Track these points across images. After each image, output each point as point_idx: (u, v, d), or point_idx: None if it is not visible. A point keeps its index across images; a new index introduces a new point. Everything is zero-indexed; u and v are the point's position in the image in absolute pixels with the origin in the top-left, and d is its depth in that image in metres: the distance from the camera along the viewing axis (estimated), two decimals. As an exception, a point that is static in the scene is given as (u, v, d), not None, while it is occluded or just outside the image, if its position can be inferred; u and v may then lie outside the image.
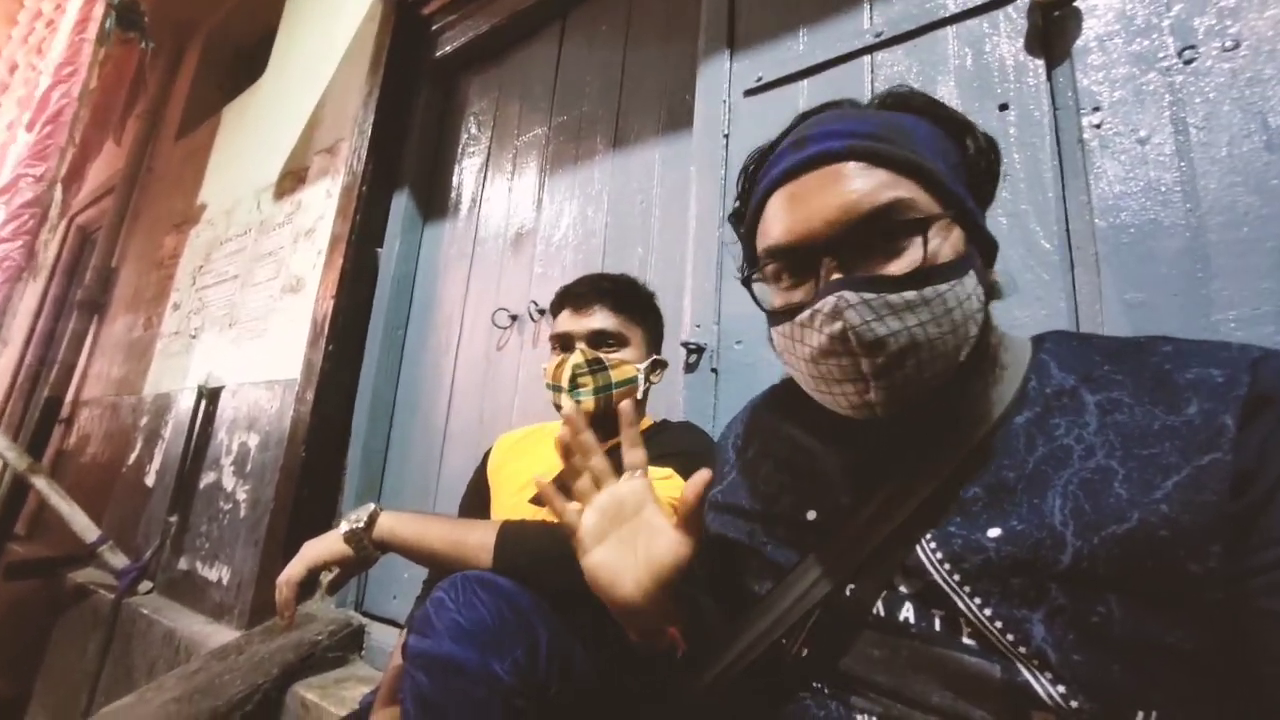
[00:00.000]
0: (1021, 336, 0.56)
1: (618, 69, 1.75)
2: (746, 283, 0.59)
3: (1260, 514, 0.38)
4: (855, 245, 0.48)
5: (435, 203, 2.15)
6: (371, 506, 0.84)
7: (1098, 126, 0.97)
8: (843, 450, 0.56)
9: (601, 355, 1.00)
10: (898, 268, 0.47)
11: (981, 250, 0.52)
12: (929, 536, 0.47)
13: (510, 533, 0.79)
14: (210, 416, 2.38)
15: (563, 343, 1.03)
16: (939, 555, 0.46)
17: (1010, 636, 0.42)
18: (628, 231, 1.59)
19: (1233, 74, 0.90)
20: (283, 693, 1.46)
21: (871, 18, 1.22)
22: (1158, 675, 0.39)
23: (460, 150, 2.15)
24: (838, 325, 0.47)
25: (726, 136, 1.37)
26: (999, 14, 1.08)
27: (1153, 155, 0.93)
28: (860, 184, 0.48)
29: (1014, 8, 1.07)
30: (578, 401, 0.98)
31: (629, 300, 1.06)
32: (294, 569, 0.80)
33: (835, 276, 0.48)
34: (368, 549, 0.82)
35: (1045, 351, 0.52)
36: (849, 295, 0.46)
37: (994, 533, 0.44)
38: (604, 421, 1.01)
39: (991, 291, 0.52)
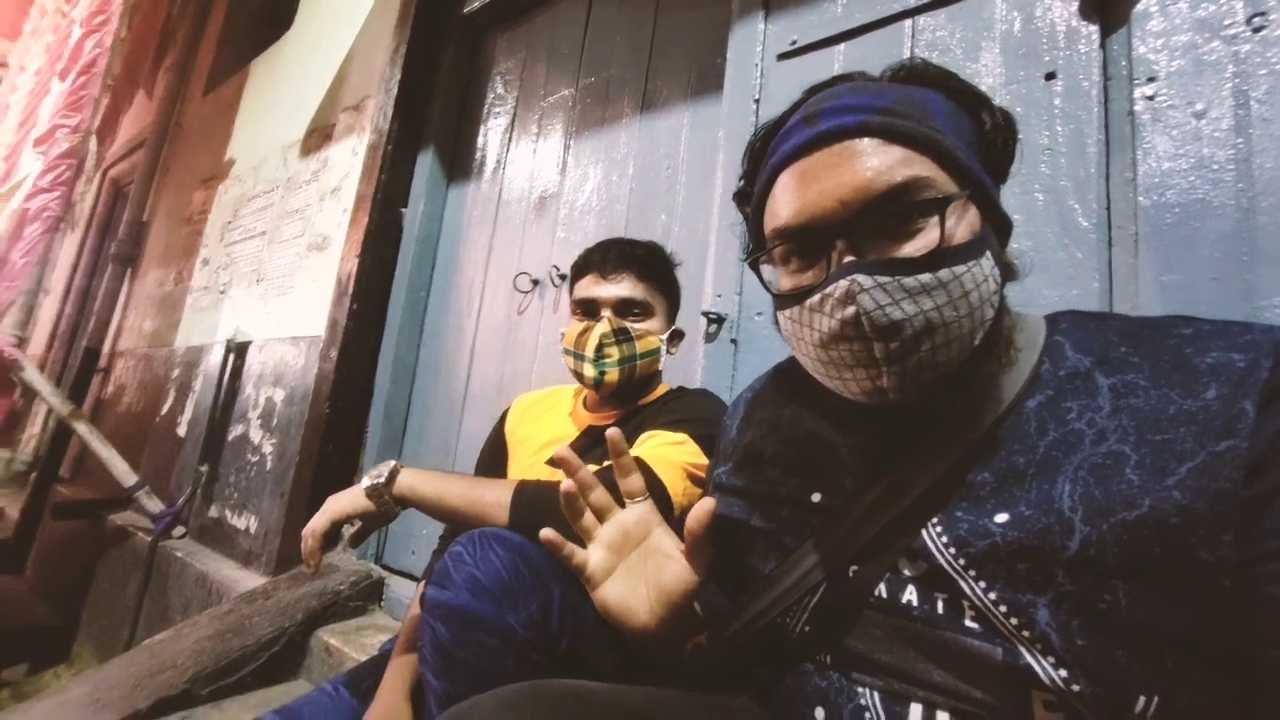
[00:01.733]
0: (1036, 316, 0.54)
1: (648, 30, 1.70)
2: (753, 265, 0.57)
3: (1271, 501, 0.38)
4: (869, 226, 0.46)
5: (460, 163, 2.14)
6: (393, 463, 0.86)
7: (1151, 98, 0.92)
8: (850, 434, 0.55)
9: (628, 324, 0.99)
10: (913, 249, 0.46)
11: (997, 230, 0.51)
12: (935, 520, 0.46)
13: (526, 492, 0.80)
14: (238, 371, 2.44)
15: (586, 308, 1.02)
16: (944, 539, 0.45)
17: (1014, 620, 0.41)
18: (652, 198, 1.57)
19: (1301, 45, 0.84)
20: (307, 636, 1.53)
21: (915, -22, 1.17)
22: (1162, 661, 0.39)
23: (486, 110, 2.13)
24: (850, 310, 0.45)
25: (757, 102, 1.33)
26: (1052, -25, 1.03)
27: (1208, 130, 0.88)
28: (875, 162, 0.46)
29: (1069, -32, 1.01)
30: (602, 372, 0.98)
31: (657, 269, 1.04)
32: (319, 521, 0.83)
33: (848, 259, 0.46)
34: (389, 504, 0.84)
35: (1060, 332, 0.51)
36: (862, 279, 0.45)
37: (1001, 518, 0.44)
38: (626, 391, 1.01)
39: (1007, 272, 0.51)
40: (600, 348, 0.97)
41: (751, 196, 0.57)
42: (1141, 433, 0.42)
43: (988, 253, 0.47)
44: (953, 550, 0.45)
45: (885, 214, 0.46)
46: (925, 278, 0.45)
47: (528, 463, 1.03)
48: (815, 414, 0.58)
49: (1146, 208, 0.90)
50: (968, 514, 0.45)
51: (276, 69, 3.01)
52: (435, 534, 1.19)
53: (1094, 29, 0.98)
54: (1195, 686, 0.39)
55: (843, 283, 0.45)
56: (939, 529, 0.46)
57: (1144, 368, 0.44)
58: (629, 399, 1.03)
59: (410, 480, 0.84)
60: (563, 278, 1.68)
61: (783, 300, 0.52)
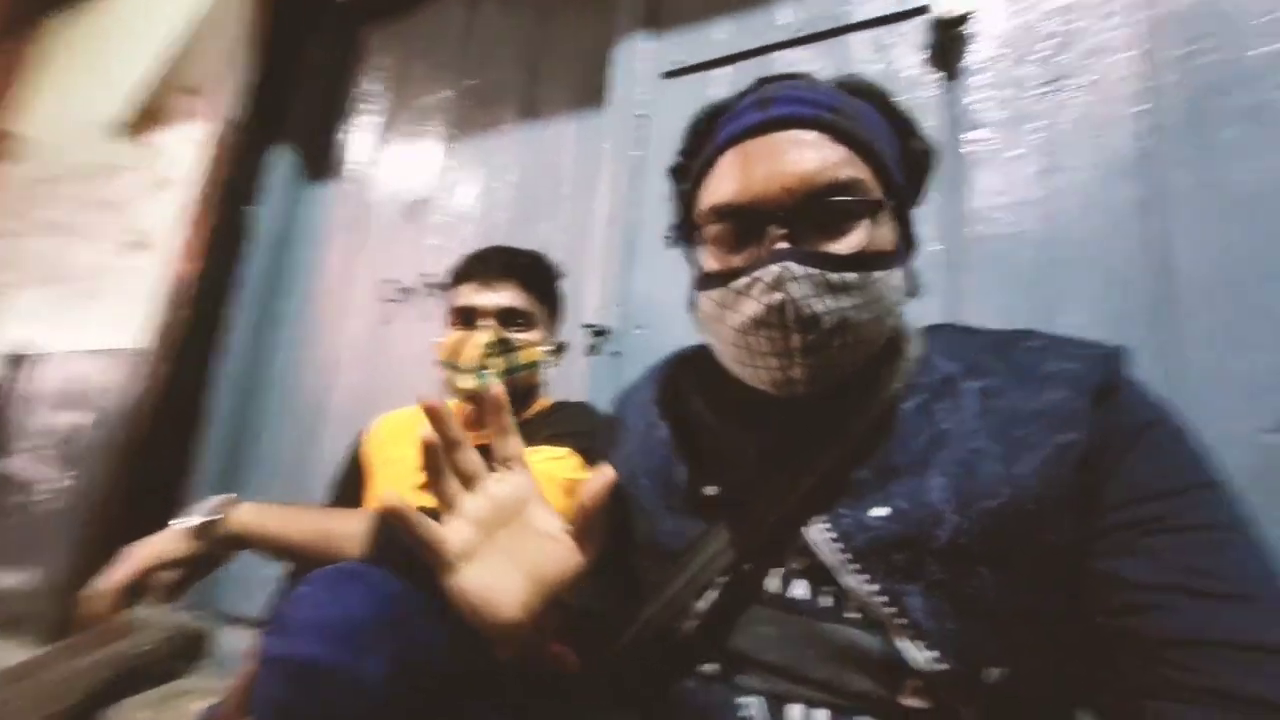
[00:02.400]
0: (915, 327, 0.59)
1: (532, 38, 1.67)
2: (681, 239, 0.56)
3: (1101, 486, 0.42)
4: (805, 217, 0.47)
5: (323, 161, 1.96)
6: (225, 498, 0.75)
7: (980, 142, 1.05)
8: (744, 429, 0.55)
9: (510, 335, 0.93)
10: (842, 248, 0.47)
11: (906, 247, 0.53)
12: (822, 516, 0.48)
13: (387, 520, 0.72)
14: (15, 389, 2.01)
15: (465, 317, 0.95)
16: (831, 534, 0.47)
17: (891, 609, 0.43)
18: (535, 207, 1.53)
19: (1088, 107, 1.00)
20: (94, 717, 1.25)
21: (790, 14, 1.25)
22: (1015, 636, 0.42)
23: (355, 107, 1.97)
24: (777, 296, 0.45)
25: (643, 117, 1.35)
26: (903, 25, 1.14)
27: (1022, 174, 1.02)
28: (821, 155, 0.47)
29: (915, 22, 1.13)
30: (484, 384, 0.91)
31: (540, 279, 1.00)
32: (121, 571, 0.69)
33: (781, 246, 0.46)
34: (218, 546, 0.72)
35: (933, 342, 0.55)
36: (794, 267, 0.45)
37: (881, 512, 0.46)
38: (512, 402, 0.95)
39: (910, 287, 0.53)
40: (481, 358, 0.91)
41: (688, 172, 0.56)
42: (1003, 429, 0.46)
43: (900, 265, 0.50)
44: (839, 545, 0.46)
45: (823, 208, 0.47)
46: (850, 276, 0.46)
47: (393, 488, 0.93)
48: (710, 407, 0.58)
49: (979, 237, 1.01)
50: (851, 509, 0.47)
51: (91, 29, 2.56)
52: (276, 574, 1.04)
53: (937, 76, 1.10)
54: (1037, 655, 0.43)
55: (774, 267, 0.45)
56: (825, 524, 0.47)
57: (1004, 374, 0.49)
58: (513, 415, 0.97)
59: (247, 516, 0.73)
60: (435, 287, 1.58)
61: (708, 280, 0.51)
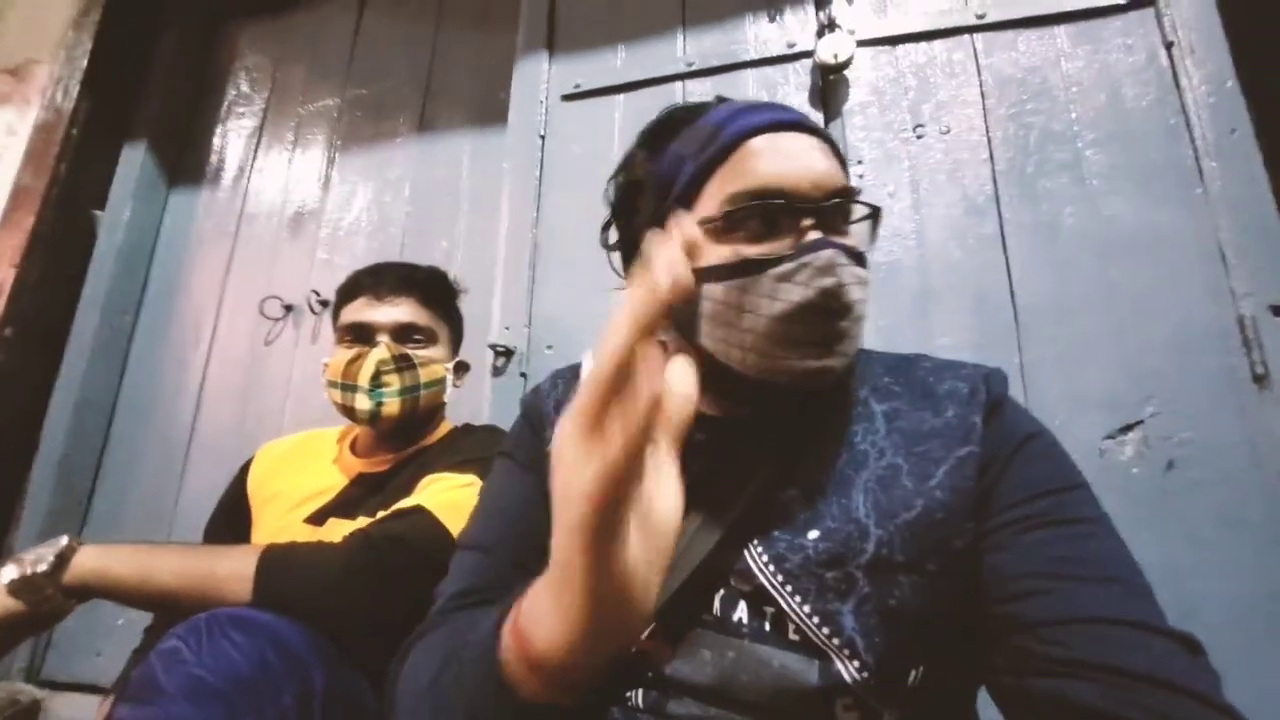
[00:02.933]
0: None
1: (427, 50, 1.62)
2: (640, 237, 0.53)
3: (992, 491, 0.47)
4: (832, 213, 0.50)
5: (187, 165, 1.78)
6: (63, 540, 0.65)
7: (860, 178, 1.15)
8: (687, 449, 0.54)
9: (409, 351, 0.89)
10: (858, 246, 0.50)
11: None
12: (756, 541, 0.48)
13: (277, 556, 0.66)
14: None
15: (358, 334, 0.89)
16: (764, 558, 0.47)
17: (825, 630, 0.44)
18: (432, 223, 1.48)
19: (945, 152, 1.13)
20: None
21: (685, 48, 1.31)
22: (931, 637, 0.45)
23: (226, 109, 1.81)
24: (830, 280, 0.46)
25: (543, 138, 1.35)
26: (790, 67, 1.23)
27: (897, 208, 1.13)
28: (833, 163, 0.51)
29: (801, 65, 1.23)
30: (379, 404, 0.86)
31: (439, 295, 0.96)
32: None
33: (818, 235, 0.48)
34: (53, 600, 0.62)
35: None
36: (841, 256, 0.47)
37: (813, 534, 0.47)
38: (407, 427, 0.91)
39: None
40: (377, 375, 0.86)
41: (662, 162, 0.54)
42: (909, 447, 0.50)
43: None
44: (771, 567, 0.47)
45: (840, 208, 0.50)
46: (864, 271, 0.49)
47: (280, 524, 0.86)
48: None
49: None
50: (783, 531, 0.48)
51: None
52: (134, 626, 0.92)
53: (820, 115, 1.20)
54: (951, 653, 0.46)
55: (826, 252, 0.46)
56: (759, 547, 0.48)
57: (904, 395, 0.53)
58: (409, 438, 0.92)
59: (94, 561, 0.64)
60: (324, 304, 1.48)
61: (728, 271, 0.49)
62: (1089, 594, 0.41)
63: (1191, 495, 0.89)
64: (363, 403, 0.86)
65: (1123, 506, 0.89)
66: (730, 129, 0.51)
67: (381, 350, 0.87)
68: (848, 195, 0.50)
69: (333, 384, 0.89)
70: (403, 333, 0.90)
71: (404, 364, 0.88)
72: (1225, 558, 0.86)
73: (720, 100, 0.57)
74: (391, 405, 0.86)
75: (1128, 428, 0.94)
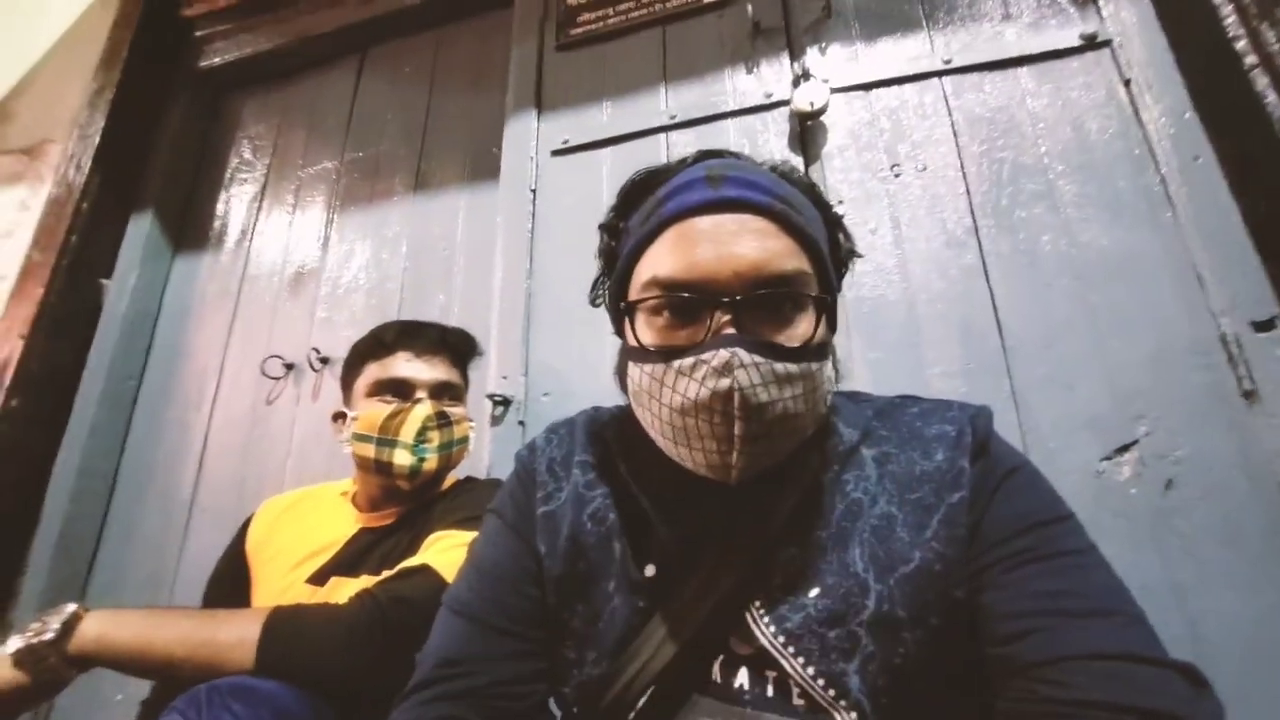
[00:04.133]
0: None
1: (421, 112, 1.69)
2: (614, 305, 0.53)
3: (978, 527, 0.46)
4: (754, 305, 0.46)
5: (191, 232, 1.83)
6: (71, 608, 0.65)
7: (842, 217, 1.19)
8: (674, 507, 0.52)
9: (446, 408, 0.92)
10: (787, 339, 0.47)
11: (832, 336, 0.54)
12: (757, 602, 0.47)
13: (282, 621, 0.66)
14: None
15: (397, 390, 0.91)
16: (765, 619, 0.46)
17: (831, 692, 0.43)
18: (428, 278, 1.51)
19: (923, 188, 1.17)
20: None
21: (667, 101, 1.37)
22: (937, 694, 0.44)
23: (229, 176, 1.87)
24: (725, 382, 0.44)
25: (534, 191, 1.40)
26: (768, 115, 1.29)
27: (879, 244, 1.16)
28: (772, 245, 0.47)
29: (779, 113, 1.28)
30: (422, 459, 0.87)
31: (467, 355, 1.01)
32: None
33: (729, 331, 0.45)
34: (56, 670, 0.62)
35: (833, 411, 0.55)
36: (743, 354, 0.44)
37: (813, 592, 0.46)
38: (435, 482, 0.93)
39: (836, 375, 0.53)
40: (423, 431, 0.88)
41: (620, 233, 0.55)
42: (901, 494, 0.49)
43: (830, 356, 0.51)
44: (773, 629, 0.46)
45: (771, 298, 0.47)
46: (794, 367, 0.46)
47: (283, 583, 0.86)
48: (638, 481, 0.55)
49: (852, 300, 1.13)
50: (785, 592, 0.47)
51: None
52: (132, 700, 0.90)
53: (800, 160, 1.24)
54: (952, 703, 0.45)
55: (724, 352, 0.44)
56: (760, 610, 0.47)
57: (892, 439, 0.52)
58: (424, 493, 0.93)
59: (99, 628, 0.64)
60: (323, 361, 1.50)
61: (645, 354, 0.49)
62: (1082, 629, 0.40)
63: (1191, 513, 0.89)
64: (403, 458, 0.87)
65: (1123, 527, 0.90)
66: (664, 209, 0.50)
67: (426, 406, 0.89)
68: (783, 284, 0.46)
69: (364, 438, 0.88)
70: (440, 390, 0.93)
71: (444, 421, 0.91)
72: (1226, 573, 0.85)
73: (696, 158, 0.55)
74: (431, 461, 0.89)
75: (1124, 448, 0.94)
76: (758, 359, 0.44)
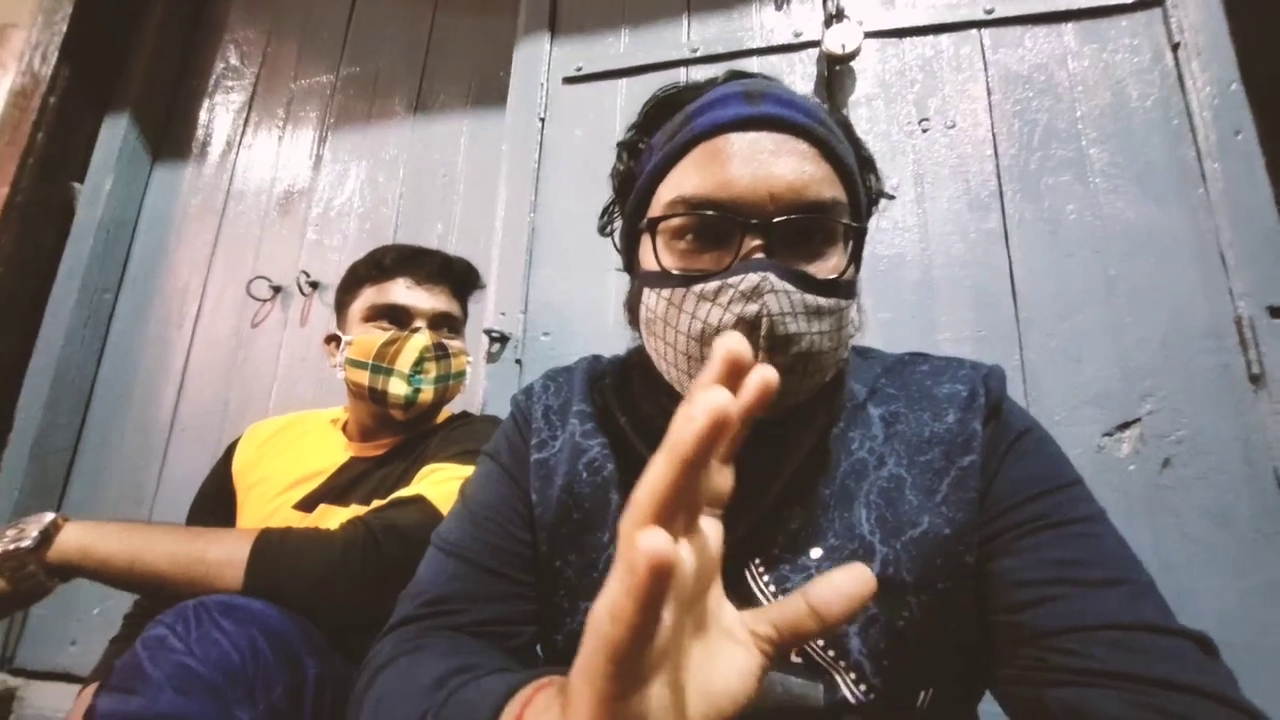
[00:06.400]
0: None
1: (425, 28, 1.58)
2: (629, 230, 0.50)
3: (988, 491, 0.45)
4: (787, 231, 0.43)
5: (172, 139, 1.72)
6: (49, 516, 0.63)
7: (873, 159, 1.14)
8: None
9: (444, 340, 0.89)
10: (818, 270, 0.44)
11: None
12: (757, 561, 0.46)
13: (271, 542, 0.63)
14: None
15: (395, 316, 0.87)
16: (765, 579, 0.45)
17: (831, 652, 0.43)
18: (426, 205, 1.44)
19: (950, 146, 1.13)
20: None
21: (689, 34, 1.29)
22: (941, 659, 0.44)
23: (213, 82, 1.75)
24: (752, 308, 0.41)
25: (542, 120, 1.32)
26: (795, 56, 1.22)
27: (901, 201, 1.12)
28: (813, 170, 0.43)
29: (807, 54, 1.21)
30: (417, 390, 0.85)
31: (470, 287, 0.96)
32: None
33: (759, 256, 0.42)
34: (36, 577, 0.60)
35: (844, 364, 0.52)
36: (774, 279, 0.41)
37: (816, 553, 0.45)
38: (429, 414, 0.91)
39: (859, 321, 0.50)
40: (420, 362, 0.85)
41: (641, 152, 0.51)
42: (910, 455, 0.47)
43: (856, 298, 0.48)
44: (773, 588, 0.45)
45: (806, 224, 0.43)
46: (824, 301, 0.43)
47: (269, 508, 0.83)
48: (639, 433, 0.53)
49: (869, 258, 1.09)
50: (786, 551, 0.46)
51: None
52: (110, 614, 0.89)
53: (825, 107, 1.18)
54: (960, 672, 0.45)
55: (753, 276, 0.41)
56: (760, 569, 0.46)
57: (901, 398, 0.50)
58: (418, 425, 0.90)
59: (81, 537, 0.61)
60: (313, 285, 1.44)
61: (662, 278, 0.45)
62: (1096, 598, 0.40)
63: (1186, 492, 0.90)
64: (398, 387, 0.84)
65: (1119, 503, 0.90)
66: (695, 123, 0.46)
67: (424, 337, 0.86)
68: (820, 211, 0.43)
69: (358, 364, 0.85)
70: (439, 320, 0.89)
71: (441, 353, 0.87)
72: (1216, 553, 0.87)
73: (727, 77, 0.51)
74: (427, 393, 0.86)
75: (1125, 425, 0.94)
76: (789, 287, 0.41)
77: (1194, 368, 0.93)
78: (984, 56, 1.14)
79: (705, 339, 0.43)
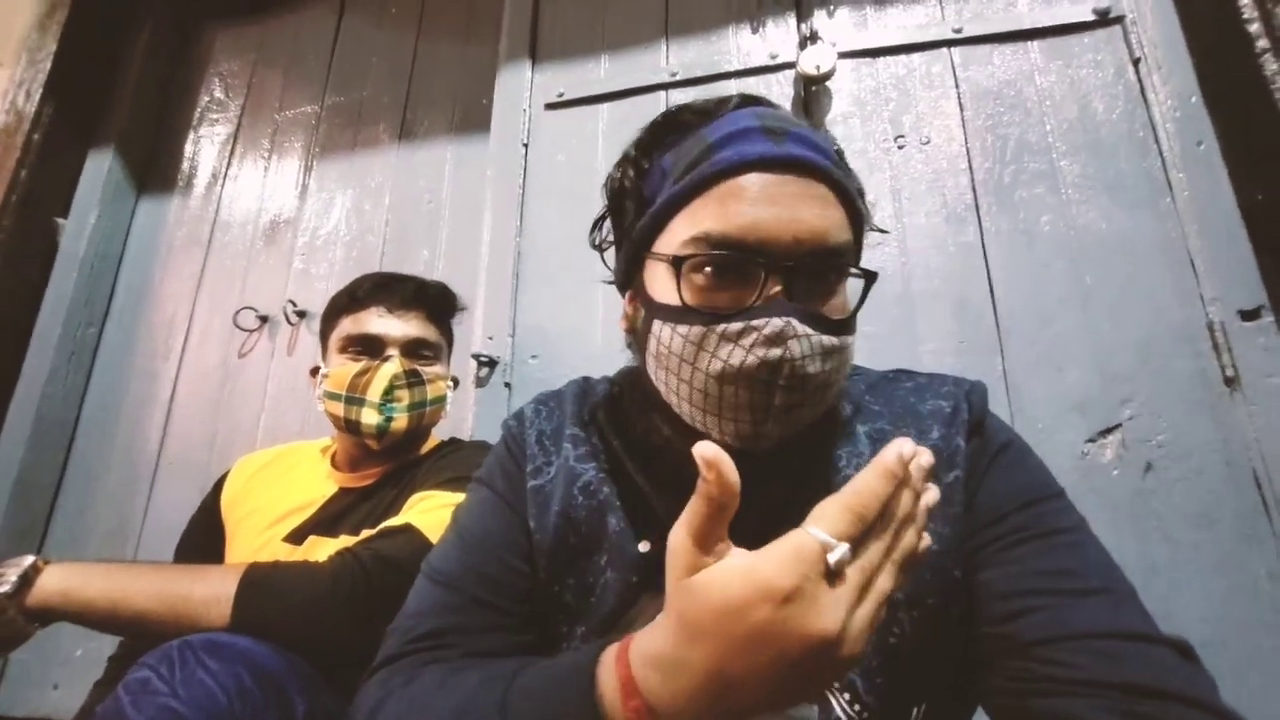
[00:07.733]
0: None
1: (408, 57, 1.60)
2: (632, 250, 0.50)
3: (971, 507, 0.46)
4: (808, 274, 0.44)
5: (157, 173, 1.73)
6: (29, 560, 0.62)
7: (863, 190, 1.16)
8: (669, 486, 0.50)
9: (418, 367, 0.88)
10: (831, 310, 0.45)
11: None
12: None
13: (258, 576, 0.63)
14: None
15: (367, 346, 0.87)
16: None
17: None
18: (412, 232, 1.45)
19: (925, 162, 1.15)
20: None
21: (668, 58, 1.31)
22: (932, 675, 0.44)
23: (199, 115, 1.77)
24: (776, 352, 0.42)
25: (526, 146, 1.34)
26: (772, 78, 1.25)
27: (879, 216, 1.13)
28: (834, 215, 0.45)
29: (784, 75, 1.24)
30: (389, 419, 0.84)
31: (446, 311, 0.96)
32: None
33: (780, 298, 0.43)
34: (16, 623, 0.59)
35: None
36: (798, 324, 0.42)
37: None
38: (409, 442, 0.90)
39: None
40: (390, 390, 0.84)
41: (647, 173, 0.51)
42: None
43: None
44: None
45: (825, 268, 0.45)
46: (836, 340, 0.44)
47: (258, 541, 0.83)
48: (633, 457, 0.53)
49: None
50: None
51: None
52: (94, 656, 0.88)
53: (802, 127, 1.21)
54: (951, 687, 0.45)
55: (778, 321, 0.42)
56: None
57: (886, 415, 0.51)
58: (401, 453, 0.90)
59: (61, 581, 0.61)
60: (300, 314, 1.44)
61: (681, 313, 0.46)
62: (1079, 608, 0.40)
63: (1168, 496, 0.91)
64: (370, 417, 0.84)
65: (1103, 508, 0.91)
66: (718, 156, 0.46)
67: (394, 365, 0.85)
68: (835, 256, 0.45)
69: (333, 396, 0.86)
70: (413, 347, 0.89)
71: (414, 380, 0.87)
72: (1199, 555, 0.88)
73: (741, 102, 0.51)
74: (400, 421, 0.85)
75: (1107, 431, 0.95)
76: (809, 330, 0.43)
77: (1171, 372, 0.95)
78: (955, 74, 1.17)
79: (725, 379, 0.44)
